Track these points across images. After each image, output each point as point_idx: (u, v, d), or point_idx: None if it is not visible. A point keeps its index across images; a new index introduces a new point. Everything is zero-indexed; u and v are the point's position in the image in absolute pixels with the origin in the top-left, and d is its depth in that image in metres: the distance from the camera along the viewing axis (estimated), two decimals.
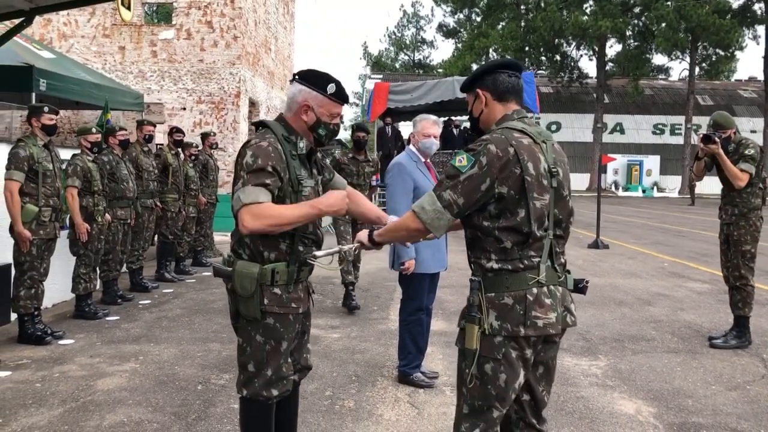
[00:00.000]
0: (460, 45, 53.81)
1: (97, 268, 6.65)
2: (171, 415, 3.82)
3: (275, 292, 2.52)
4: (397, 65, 64.38)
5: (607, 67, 45.08)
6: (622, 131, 45.59)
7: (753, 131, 41.79)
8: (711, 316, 6.63)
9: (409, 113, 18.98)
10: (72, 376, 4.49)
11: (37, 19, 6.93)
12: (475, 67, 49.24)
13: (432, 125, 4.55)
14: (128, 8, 8.52)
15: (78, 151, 6.32)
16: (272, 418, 2.67)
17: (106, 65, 15.83)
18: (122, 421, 3.71)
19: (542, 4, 45.73)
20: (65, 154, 6.36)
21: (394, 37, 65.12)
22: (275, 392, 2.58)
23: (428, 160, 4.58)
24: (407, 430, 3.69)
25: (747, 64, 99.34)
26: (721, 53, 45.44)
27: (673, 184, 42.58)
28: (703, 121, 33.29)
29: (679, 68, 52.80)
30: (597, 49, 44.56)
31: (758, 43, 44.84)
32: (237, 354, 2.65)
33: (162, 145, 9.41)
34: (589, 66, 49.11)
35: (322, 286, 7.59)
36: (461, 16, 56.60)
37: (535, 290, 2.18)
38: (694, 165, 5.73)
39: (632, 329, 6.05)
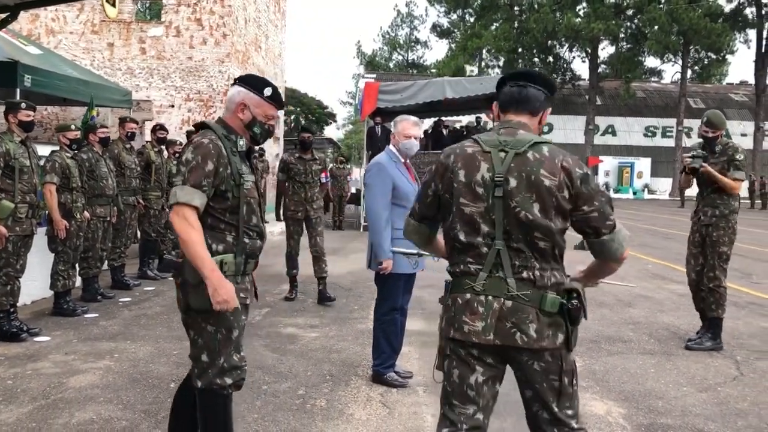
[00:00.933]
0: (453, 45, 53.90)
1: (77, 266, 6.63)
2: (141, 412, 3.81)
3: None
4: (391, 65, 64.37)
5: (600, 69, 45.29)
6: (613, 133, 45.81)
7: (744, 134, 42.10)
8: (690, 318, 6.64)
9: (399, 113, 18.97)
10: (44, 374, 4.47)
11: (25, 14, 6.93)
12: (468, 67, 49.53)
13: (412, 126, 4.55)
14: (113, 5, 8.50)
15: (57, 148, 6.29)
16: (230, 408, 2.75)
17: (94, 62, 15.76)
18: (91, 419, 3.70)
19: (535, 6, 45.89)
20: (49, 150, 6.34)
21: (387, 36, 65.13)
22: (229, 380, 2.68)
23: (408, 161, 4.58)
24: (377, 429, 3.69)
25: (739, 68, 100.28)
26: (713, 57, 45.76)
27: (663, 186, 42.82)
28: (694, 124, 33.51)
29: (671, 71, 53.01)
30: (590, 51, 44.77)
31: (749, 47, 45.15)
32: (190, 348, 2.71)
33: (146, 142, 9.38)
34: (581, 68, 49.40)
35: (305, 286, 7.59)
36: (455, 16, 56.73)
37: (468, 296, 2.20)
38: (682, 177, 5.81)
39: (610, 330, 6.08)
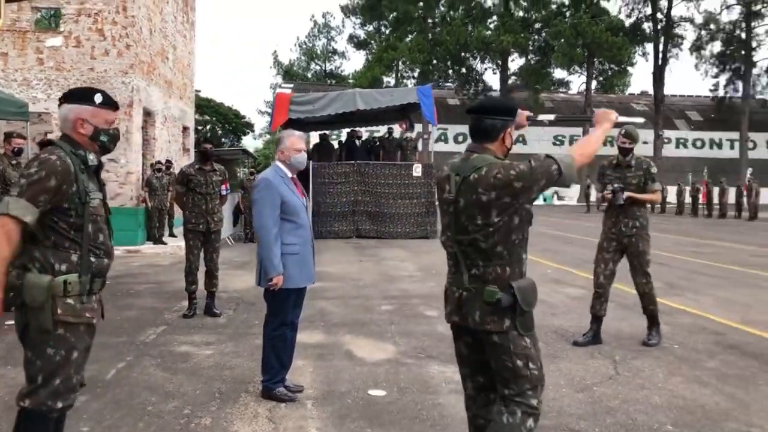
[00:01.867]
0: (370, 57, 54.39)
1: None
2: None
3: (68, 302, 2.56)
4: (309, 75, 64.25)
5: (510, 81, 46.77)
6: (524, 142, 47.29)
7: (645, 142, 44.34)
8: (579, 320, 6.96)
9: (311, 124, 19.01)
10: None
11: None
12: (384, 78, 50.11)
13: (299, 140, 4.64)
14: None
15: None
16: None
17: None
18: None
19: (448, 19, 46.96)
20: None
21: (305, 46, 65.02)
22: (60, 404, 2.60)
23: (295, 176, 4.63)
24: None
25: (639, 79, 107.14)
26: (615, 68, 48.09)
27: (571, 192, 44.51)
28: None
29: (578, 82, 55.47)
30: (500, 62, 46.18)
31: (647, 60, 47.80)
32: (24, 367, 2.63)
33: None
34: (493, 79, 50.73)
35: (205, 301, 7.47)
36: (371, 28, 57.28)
37: (446, 287, 2.91)
38: (600, 200, 6.60)
39: None
